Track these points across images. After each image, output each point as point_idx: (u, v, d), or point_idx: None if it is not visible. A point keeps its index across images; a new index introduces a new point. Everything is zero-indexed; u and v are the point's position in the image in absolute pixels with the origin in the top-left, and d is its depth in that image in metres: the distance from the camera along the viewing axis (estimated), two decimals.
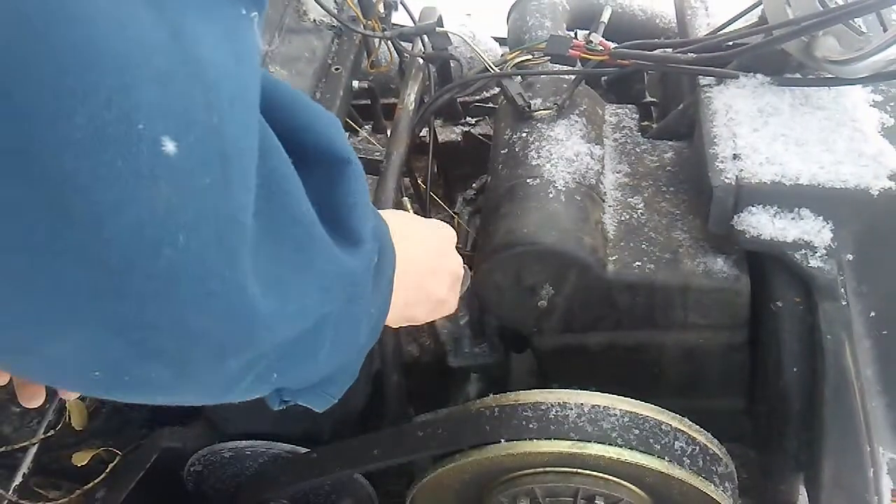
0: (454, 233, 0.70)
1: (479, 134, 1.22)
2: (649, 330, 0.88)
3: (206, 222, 0.33)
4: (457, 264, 0.70)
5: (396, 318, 0.63)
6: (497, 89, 1.21)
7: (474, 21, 1.66)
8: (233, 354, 0.38)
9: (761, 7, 0.90)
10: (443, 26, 1.06)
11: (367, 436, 0.91)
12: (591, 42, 0.92)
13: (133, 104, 0.29)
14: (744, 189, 0.81)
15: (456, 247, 0.69)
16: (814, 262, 0.80)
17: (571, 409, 0.79)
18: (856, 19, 0.83)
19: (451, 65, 1.14)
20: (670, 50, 0.97)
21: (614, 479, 0.81)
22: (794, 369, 0.84)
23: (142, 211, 0.31)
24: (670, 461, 0.78)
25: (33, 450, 1.21)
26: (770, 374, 0.86)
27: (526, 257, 0.83)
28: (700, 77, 0.92)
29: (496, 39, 1.30)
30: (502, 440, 0.80)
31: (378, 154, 1.02)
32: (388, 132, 0.99)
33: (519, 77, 1.00)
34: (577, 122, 0.95)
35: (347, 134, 1.14)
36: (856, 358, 0.81)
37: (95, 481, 1.11)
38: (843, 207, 0.80)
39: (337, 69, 1.06)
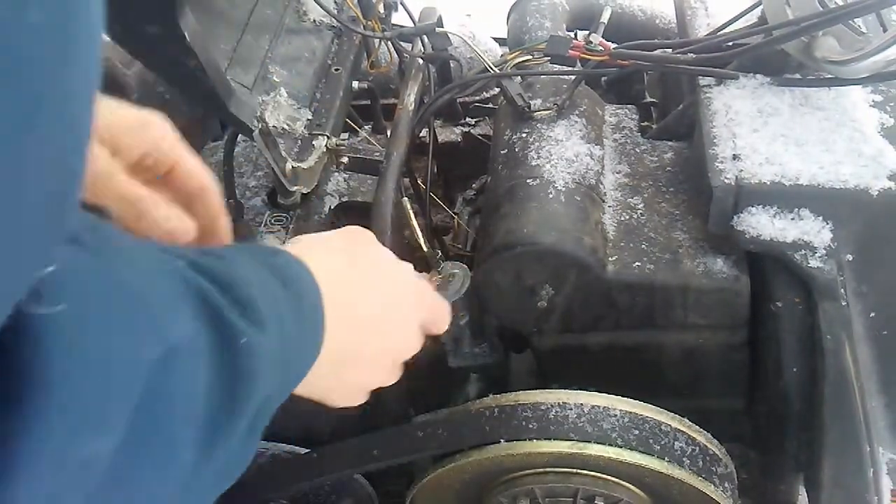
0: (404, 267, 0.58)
1: (479, 134, 1.22)
2: (649, 330, 0.88)
3: None
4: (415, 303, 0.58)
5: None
6: (497, 90, 1.21)
7: (474, 21, 1.66)
8: None
9: (761, 7, 0.90)
10: (443, 27, 1.06)
11: (367, 436, 0.91)
12: (591, 42, 0.92)
13: None
14: (744, 189, 0.81)
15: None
16: (814, 263, 0.80)
17: (571, 409, 0.79)
18: (855, 19, 0.83)
19: (451, 65, 1.14)
20: (670, 50, 0.97)
21: (614, 479, 0.81)
22: (794, 369, 0.84)
23: None
24: (670, 461, 0.78)
25: None
26: (770, 374, 0.86)
27: (526, 257, 0.83)
28: (700, 77, 0.92)
29: (496, 40, 1.30)
30: (502, 440, 0.80)
31: (378, 154, 1.02)
32: (388, 132, 0.99)
33: (519, 77, 1.00)
34: (576, 122, 0.95)
35: (347, 134, 1.15)
36: (855, 358, 0.81)
37: None
38: (842, 208, 0.80)
39: (337, 70, 1.06)
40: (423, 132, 1.11)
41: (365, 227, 0.62)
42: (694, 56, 0.93)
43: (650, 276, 0.84)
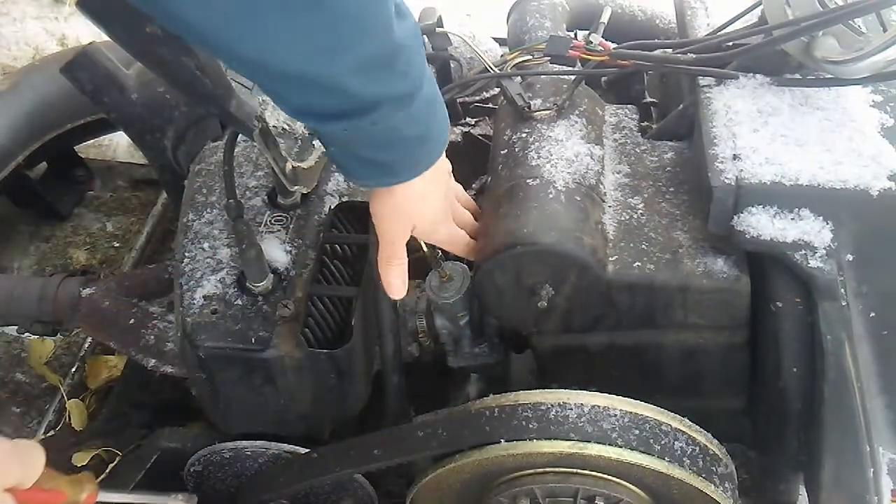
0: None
1: (479, 134, 1.22)
2: (649, 330, 0.88)
3: None
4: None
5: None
6: (497, 90, 1.21)
7: (474, 21, 1.66)
8: None
9: (761, 7, 0.90)
10: (443, 27, 1.06)
11: (368, 436, 0.91)
12: (591, 42, 0.92)
13: None
14: (743, 189, 0.81)
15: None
16: (814, 263, 0.80)
17: (571, 409, 0.79)
18: (855, 19, 0.83)
19: (451, 65, 1.14)
20: (670, 50, 0.97)
21: (614, 479, 0.81)
22: (794, 369, 0.84)
23: None
24: (670, 461, 0.78)
25: None
26: (770, 374, 0.86)
27: (526, 257, 0.83)
28: (700, 77, 0.92)
29: (496, 40, 1.30)
30: (502, 440, 0.80)
31: None
32: None
33: (519, 77, 1.00)
34: (577, 122, 0.95)
35: None
36: (855, 358, 0.81)
37: (96, 482, 1.11)
38: (842, 208, 0.80)
39: None
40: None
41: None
42: (694, 56, 0.93)
43: (650, 276, 0.84)
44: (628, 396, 0.81)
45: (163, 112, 1.18)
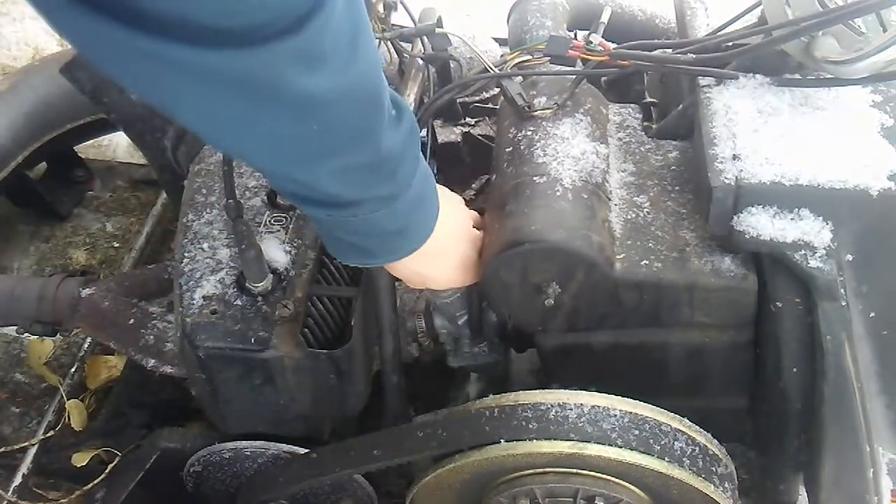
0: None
1: (479, 134, 1.22)
2: (655, 329, 0.88)
3: None
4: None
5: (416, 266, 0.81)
6: (497, 90, 1.21)
7: (474, 22, 1.66)
8: None
9: (761, 7, 0.90)
10: (442, 27, 1.06)
11: (367, 436, 0.91)
12: (591, 42, 0.92)
13: None
14: (743, 189, 0.81)
15: None
16: (813, 263, 0.80)
17: (571, 409, 0.79)
18: (855, 20, 0.83)
19: (451, 65, 1.14)
20: (670, 50, 0.97)
21: (614, 479, 0.81)
22: (794, 370, 0.84)
23: None
24: (670, 462, 0.78)
25: (33, 450, 1.21)
26: (770, 374, 0.86)
27: (533, 255, 0.83)
28: (699, 77, 0.92)
29: (496, 40, 1.30)
30: (502, 441, 0.80)
31: None
32: None
33: (519, 77, 1.00)
34: (582, 120, 0.95)
35: None
36: (855, 358, 0.81)
37: (95, 482, 1.11)
38: (842, 208, 0.80)
39: None
40: (423, 132, 1.11)
41: None
42: (694, 56, 0.93)
43: (658, 275, 0.84)
44: (632, 395, 0.81)
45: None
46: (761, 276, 0.84)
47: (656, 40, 1.10)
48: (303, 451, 0.96)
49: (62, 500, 1.13)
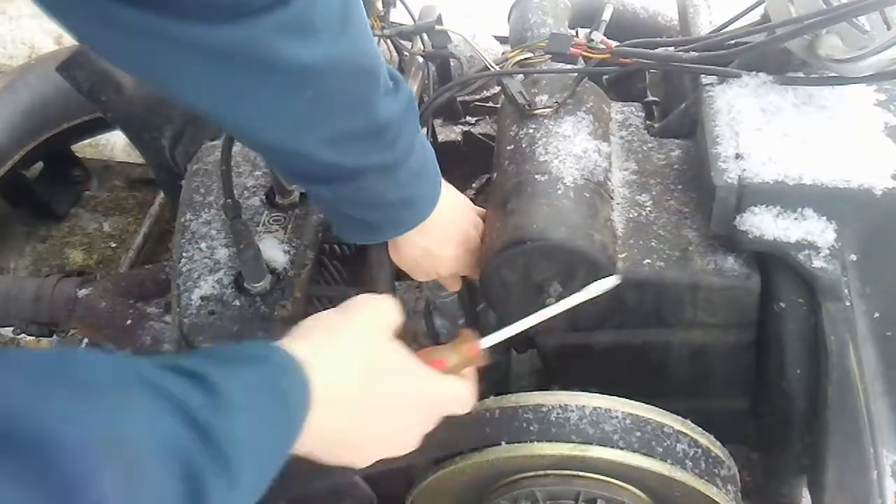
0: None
1: (480, 134, 1.21)
2: (657, 329, 0.87)
3: None
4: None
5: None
6: (497, 88, 1.20)
7: (474, 19, 1.65)
8: None
9: (764, 5, 0.90)
10: (442, 24, 1.06)
11: None
12: (593, 40, 0.92)
13: None
14: (746, 189, 0.80)
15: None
16: (817, 263, 0.79)
17: (573, 411, 0.79)
18: (859, 17, 0.82)
19: (451, 63, 1.13)
20: (672, 48, 0.97)
21: (616, 481, 0.81)
22: (798, 371, 0.83)
23: None
24: (672, 464, 0.77)
25: None
26: (773, 375, 0.86)
27: (535, 253, 0.82)
28: (702, 76, 0.91)
29: (497, 38, 1.29)
30: (503, 442, 0.79)
31: None
32: None
33: (520, 75, 1.00)
34: (584, 118, 0.94)
35: None
36: (859, 359, 0.81)
37: None
38: (846, 207, 0.79)
39: None
40: (423, 131, 1.10)
41: None
42: (696, 54, 0.92)
43: (660, 274, 0.83)
44: (634, 396, 0.80)
45: (160, 111, 1.17)
46: (764, 276, 0.84)
47: (658, 38, 1.09)
48: None
49: None
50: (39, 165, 1.58)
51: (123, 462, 0.37)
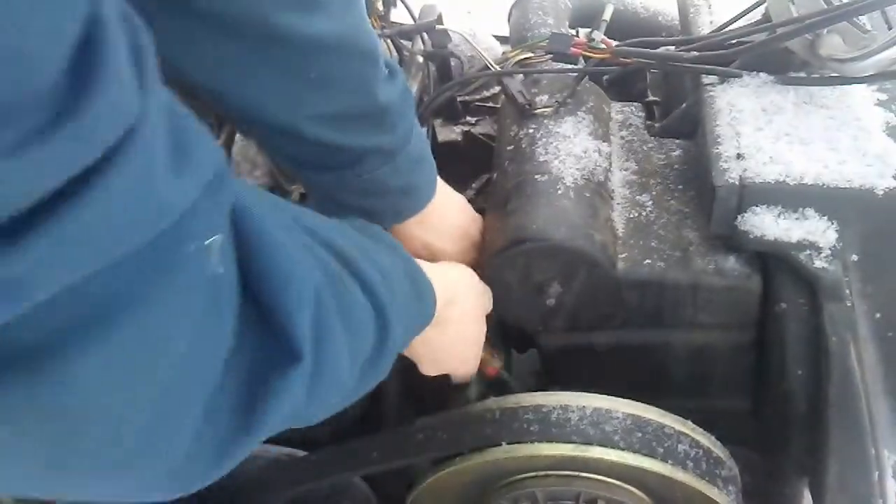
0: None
1: (480, 133, 1.21)
2: (657, 329, 0.87)
3: None
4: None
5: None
6: (497, 88, 1.20)
7: (474, 19, 1.65)
8: None
9: (765, 5, 0.89)
10: (443, 24, 1.06)
11: (367, 438, 0.90)
12: (593, 40, 0.91)
13: None
14: (747, 189, 0.80)
15: None
16: (818, 263, 0.79)
17: (573, 411, 0.79)
18: (860, 17, 0.82)
19: (451, 63, 1.13)
20: (673, 48, 0.96)
21: (617, 482, 0.80)
22: (799, 371, 0.83)
23: None
24: (673, 464, 0.77)
25: None
26: (774, 376, 0.86)
27: (536, 253, 0.82)
28: (703, 76, 0.91)
29: (497, 38, 1.29)
30: (503, 443, 0.79)
31: None
32: None
33: (521, 75, 0.99)
34: (584, 118, 0.94)
35: None
36: (861, 360, 0.80)
37: None
38: (847, 207, 0.79)
39: None
40: (423, 131, 1.10)
41: None
42: (697, 54, 0.92)
43: (661, 274, 0.83)
44: (634, 396, 0.80)
45: None
46: (765, 276, 0.83)
47: (659, 38, 1.09)
48: (302, 453, 0.95)
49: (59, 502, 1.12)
50: None
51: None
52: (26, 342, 0.28)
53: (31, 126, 0.25)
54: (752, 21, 0.93)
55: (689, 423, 0.81)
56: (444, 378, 0.88)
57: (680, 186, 0.92)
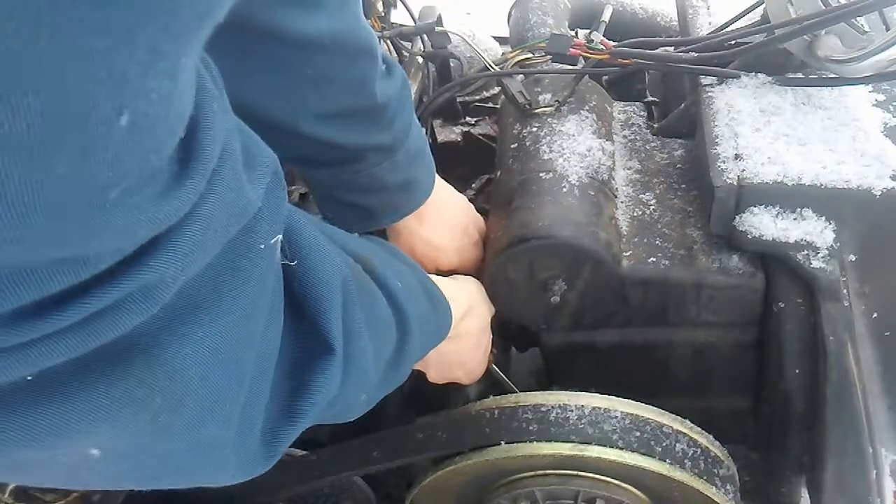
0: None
1: (479, 134, 1.21)
2: (661, 328, 0.87)
3: None
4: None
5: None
6: (497, 89, 1.20)
7: (474, 20, 1.65)
8: None
9: (763, 6, 0.90)
10: (442, 25, 1.06)
11: (367, 438, 0.91)
12: (592, 41, 0.92)
13: None
14: (746, 189, 0.80)
15: None
16: (816, 263, 0.79)
17: (572, 411, 0.79)
18: (858, 18, 0.82)
19: (451, 64, 1.13)
20: (672, 49, 0.97)
21: (615, 481, 0.81)
22: (796, 371, 0.83)
23: None
24: (671, 463, 0.78)
25: None
26: (772, 375, 0.86)
27: (540, 251, 0.82)
28: (701, 76, 0.91)
29: (496, 38, 1.29)
30: (502, 442, 0.79)
31: None
32: None
33: (520, 75, 1.00)
34: (587, 117, 0.95)
35: None
36: (858, 359, 0.81)
37: None
38: (845, 207, 0.79)
39: None
40: (423, 131, 1.10)
41: None
42: (695, 55, 0.92)
43: (665, 272, 0.83)
44: (635, 395, 0.80)
45: None
46: (764, 276, 0.84)
47: (658, 38, 1.09)
48: (302, 452, 0.95)
49: (59, 502, 1.12)
50: None
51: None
52: (142, 335, 0.33)
53: (169, 175, 0.31)
54: (751, 22, 0.93)
55: (688, 422, 0.81)
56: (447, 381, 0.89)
57: (683, 185, 0.92)
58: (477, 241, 0.91)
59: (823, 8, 0.81)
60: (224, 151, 0.35)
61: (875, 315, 0.84)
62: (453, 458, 0.82)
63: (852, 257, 0.81)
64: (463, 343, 0.79)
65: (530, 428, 0.79)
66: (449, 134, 1.22)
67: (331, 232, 0.53)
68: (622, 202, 0.90)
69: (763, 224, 0.80)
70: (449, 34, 1.06)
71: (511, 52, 1.02)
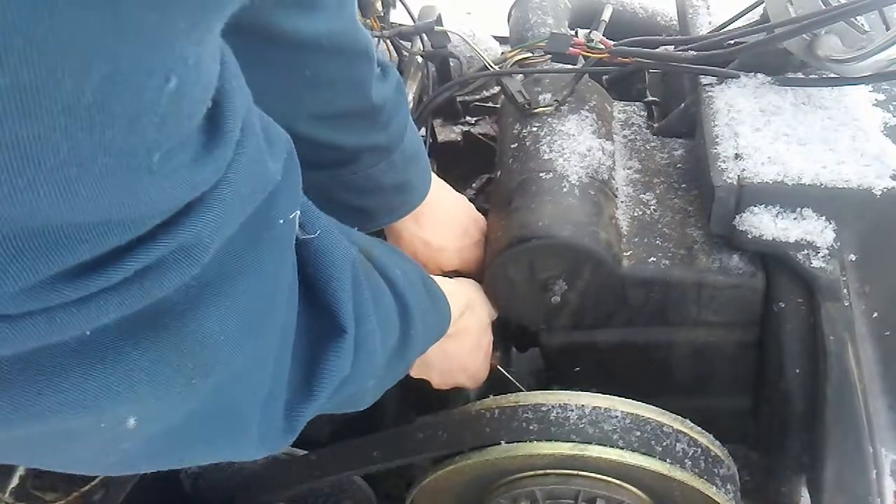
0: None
1: (479, 134, 1.21)
2: (661, 327, 0.87)
3: None
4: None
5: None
6: (497, 88, 1.20)
7: (474, 19, 1.65)
8: None
9: (763, 5, 0.90)
10: (442, 25, 1.06)
11: (367, 437, 0.91)
12: (592, 40, 0.92)
13: None
14: (746, 189, 0.80)
15: None
16: (816, 263, 0.79)
17: (572, 410, 0.79)
18: (858, 17, 0.82)
19: (451, 63, 1.13)
20: (671, 48, 0.97)
21: (615, 481, 0.81)
22: (797, 370, 0.83)
23: None
24: (672, 463, 0.78)
25: None
26: (772, 375, 0.86)
27: (541, 251, 0.82)
28: (701, 76, 0.91)
29: (496, 38, 1.29)
30: (502, 442, 0.79)
31: None
32: None
33: (520, 75, 1.00)
34: (587, 117, 0.95)
35: None
36: (858, 359, 0.81)
37: (93, 483, 1.10)
38: (845, 207, 0.79)
39: None
40: (422, 131, 1.10)
41: None
42: (695, 54, 0.92)
43: (666, 272, 0.83)
44: (636, 395, 0.80)
45: None
46: (764, 276, 0.84)
47: (658, 37, 1.09)
48: (302, 452, 0.95)
49: (60, 502, 1.12)
50: None
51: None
52: (176, 302, 0.36)
53: (199, 143, 0.33)
54: (751, 21, 0.93)
55: (688, 421, 0.81)
56: None
57: (683, 185, 0.92)
58: (478, 242, 0.91)
59: (823, 7, 0.81)
60: (245, 124, 0.37)
61: (875, 315, 0.84)
62: (453, 458, 0.82)
63: (852, 257, 0.81)
64: (463, 342, 0.78)
65: (530, 427, 0.79)
66: (449, 133, 1.22)
67: (333, 221, 0.55)
68: (622, 202, 0.90)
69: (763, 224, 0.80)
70: (448, 33, 1.06)
71: (511, 52, 1.02)
